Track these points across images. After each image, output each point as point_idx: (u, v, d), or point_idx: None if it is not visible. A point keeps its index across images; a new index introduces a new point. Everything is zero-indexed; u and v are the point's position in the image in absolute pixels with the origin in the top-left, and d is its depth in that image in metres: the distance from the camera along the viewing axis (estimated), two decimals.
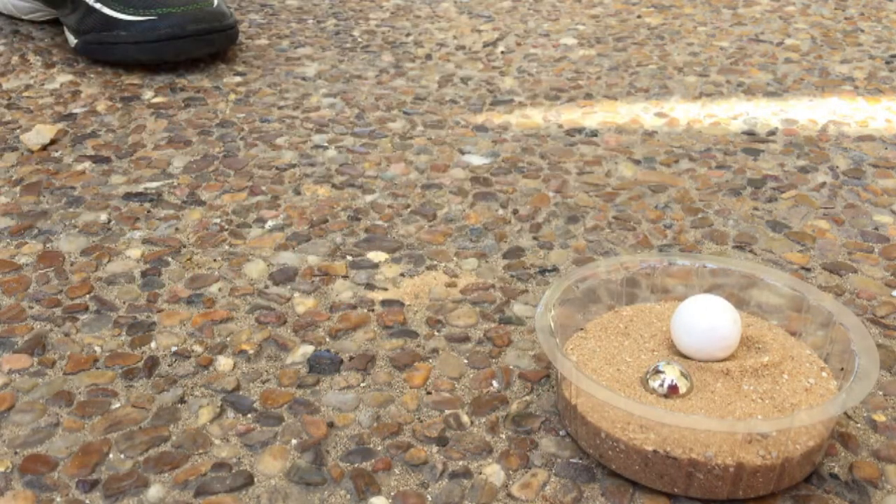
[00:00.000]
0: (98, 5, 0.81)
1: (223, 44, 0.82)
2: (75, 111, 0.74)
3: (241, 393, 0.44)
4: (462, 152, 0.68)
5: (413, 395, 0.44)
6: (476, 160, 0.67)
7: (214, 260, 0.55)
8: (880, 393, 0.45)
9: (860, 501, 0.39)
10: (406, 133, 0.71)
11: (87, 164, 0.65)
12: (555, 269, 0.54)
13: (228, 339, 0.48)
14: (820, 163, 0.67)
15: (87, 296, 0.51)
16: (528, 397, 0.44)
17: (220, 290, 0.52)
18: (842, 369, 0.41)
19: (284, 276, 0.53)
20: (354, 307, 0.50)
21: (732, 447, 0.37)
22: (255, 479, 0.39)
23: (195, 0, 0.80)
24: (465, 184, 0.63)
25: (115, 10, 0.80)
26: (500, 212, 0.60)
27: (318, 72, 0.83)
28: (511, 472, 0.40)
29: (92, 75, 0.81)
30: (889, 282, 0.53)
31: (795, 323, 0.45)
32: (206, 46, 0.81)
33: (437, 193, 0.62)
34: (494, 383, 0.45)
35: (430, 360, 0.46)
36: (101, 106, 0.75)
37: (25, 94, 0.77)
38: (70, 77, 0.81)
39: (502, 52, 0.88)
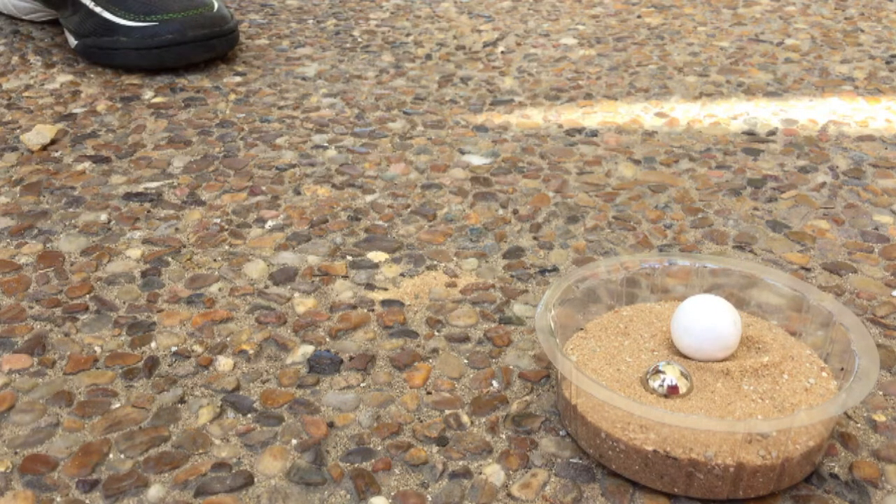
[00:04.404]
0: (98, 9, 0.80)
1: (224, 48, 0.82)
2: (75, 111, 0.74)
3: (241, 393, 0.44)
4: (462, 152, 0.68)
5: (413, 395, 0.44)
6: (476, 160, 0.67)
7: (214, 260, 0.55)
8: (880, 393, 0.45)
9: (860, 501, 0.39)
10: (406, 133, 0.71)
11: (87, 164, 0.65)
12: (555, 269, 0.54)
13: (228, 339, 0.48)
14: (820, 163, 0.67)
15: (87, 296, 0.51)
16: (528, 397, 0.44)
17: (220, 290, 0.52)
18: (842, 369, 0.41)
19: (284, 276, 0.53)
20: (354, 307, 0.50)
21: (732, 447, 0.37)
22: (255, 479, 0.39)
23: (196, 5, 0.80)
24: (465, 184, 0.63)
25: (115, 14, 0.79)
26: (500, 212, 0.60)
27: (318, 72, 0.83)
28: (511, 472, 0.40)
29: (92, 75, 0.81)
30: (889, 282, 0.53)
31: (795, 323, 0.45)
32: (208, 52, 0.81)
33: (437, 193, 0.62)
34: (494, 383, 0.45)
35: (430, 360, 0.46)
36: (101, 106, 0.75)
37: (25, 94, 0.77)
38: (70, 77, 0.81)
39: (502, 52, 0.88)
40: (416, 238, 0.57)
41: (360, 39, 0.91)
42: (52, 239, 0.56)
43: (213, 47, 0.81)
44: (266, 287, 0.52)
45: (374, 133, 0.71)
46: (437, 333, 0.48)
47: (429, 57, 0.87)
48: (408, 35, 0.93)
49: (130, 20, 0.79)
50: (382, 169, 0.65)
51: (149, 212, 0.60)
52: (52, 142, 0.69)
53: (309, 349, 0.47)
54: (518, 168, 0.65)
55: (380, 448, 0.41)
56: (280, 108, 0.75)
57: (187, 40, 0.79)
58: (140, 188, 0.62)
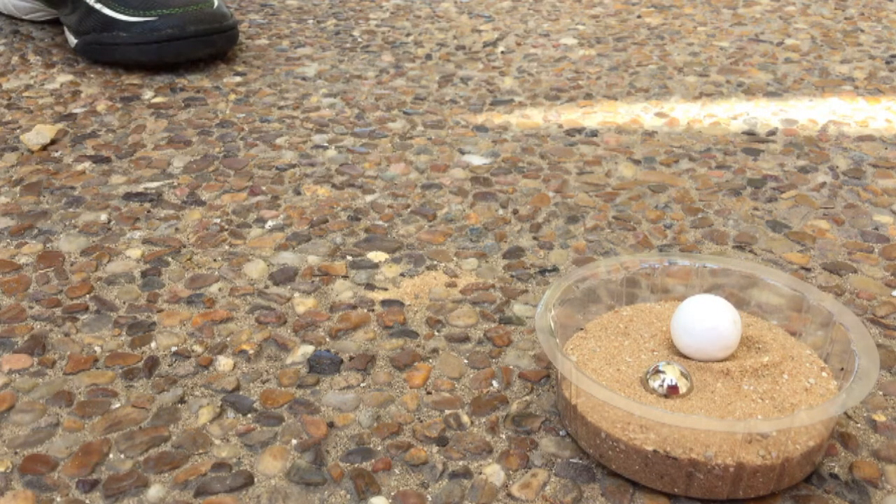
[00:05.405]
0: (98, 6, 0.81)
1: (224, 45, 0.82)
2: (75, 111, 0.74)
3: (241, 393, 0.44)
4: (462, 152, 0.68)
5: (413, 395, 0.44)
6: (476, 160, 0.67)
7: (214, 260, 0.55)
8: (880, 393, 0.45)
9: (860, 501, 0.39)
10: (406, 133, 0.71)
11: (87, 164, 0.65)
12: (555, 269, 0.54)
13: (228, 339, 0.48)
14: (820, 163, 0.67)
15: (87, 296, 0.51)
16: (528, 397, 0.44)
17: (220, 290, 0.52)
18: (842, 369, 0.41)
19: (284, 276, 0.53)
20: (354, 307, 0.50)
21: (732, 447, 0.37)
22: (255, 479, 0.39)
23: (195, 1, 0.80)
24: (465, 184, 0.63)
25: (115, 10, 0.80)
26: (500, 212, 0.60)
27: (318, 72, 0.83)
28: (511, 472, 0.40)
29: (92, 75, 0.81)
30: (889, 282, 0.53)
31: (795, 323, 0.45)
32: (207, 47, 0.81)
33: (437, 193, 0.62)
34: (494, 383, 0.45)
35: (430, 360, 0.46)
36: (101, 106, 0.75)
37: (25, 94, 0.77)
38: (70, 77, 0.81)
39: (502, 52, 0.88)
40: (416, 238, 0.57)
41: (360, 39, 0.91)
42: (52, 239, 0.56)
43: (213, 43, 0.81)
44: (266, 287, 0.52)
45: (374, 133, 0.71)
46: (437, 333, 0.48)
47: (429, 57, 0.87)
48: (408, 35, 0.93)
49: (130, 15, 0.79)
50: (382, 169, 0.65)
51: (149, 212, 0.60)
52: (52, 142, 0.69)
53: (309, 349, 0.47)
54: (518, 168, 0.65)
55: (380, 448, 0.41)
56: (280, 108, 0.75)
57: (187, 35, 0.79)
58: (140, 188, 0.62)
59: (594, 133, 0.71)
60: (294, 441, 0.41)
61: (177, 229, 0.58)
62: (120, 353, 0.47)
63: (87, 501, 0.38)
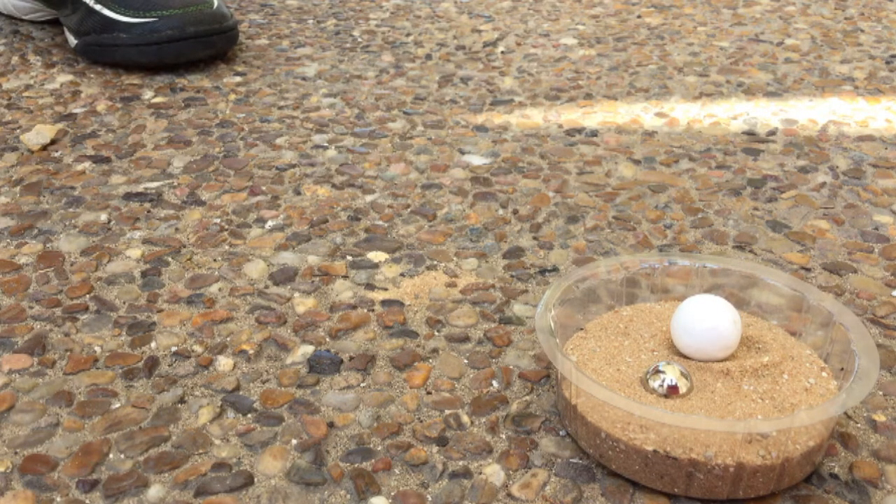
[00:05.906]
0: (98, 7, 0.81)
1: (224, 45, 0.82)
2: (75, 111, 0.74)
3: (241, 393, 0.44)
4: (462, 152, 0.68)
5: (413, 395, 0.44)
6: (476, 160, 0.67)
7: (214, 260, 0.55)
8: (880, 393, 0.45)
9: (860, 501, 0.39)
10: (406, 133, 0.71)
11: (87, 164, 0.65)
12: (555, 269, 0.54)
13: (228, 339, 0.48)
14: (820, 163, 0.67)
15: (87, 296, 0.51)
16: (528, 397, 0.44)
17: (220, 290, 0.52)
18: (842, 369, 0.41)
19: (284, 276, 0.53)
20: (354, 307, 0.50)
21: (732, 447, 0.37)
22: (255, 479, 0.39)
23: (195, 2, 0.80)
24: (465, 184, 0.63)
25: (115, 11, 0.80)
26: (500, 212, 0.60)
27: (318, 72, 0.83)
28: (511, 472, 0.40)
29: (92, 75, 0.81)
30: (889, 282, 0.53)
31: (795, 323, 0.45)
32: (207, 48, 0.81)
33: (437, 193, 0.62)
34: (494, 383, 0.45)
35: (430, 360, 0.46)
36: (101, 106, 0.75)
37: (25, 94, 0.77)
38: (70, 77, 0.81)
39: (502, 52, 0.88)
40: (416, 238, 0.57)
41: (360, 39, 0.91)
42: (52, 239, 0.56)
43: (213, 44, 0.81)
44: (266, 287, 0.52)
45: (374, 133, 0.71)
46: (437, 333, 0.48)
47: (429, 57, 0.87)
48: (408, 35, 0.93)
49: (130, 16, 0.79)
50: (382, 169, 0.65)
51: (149, 212, 0.60)
52: (52, 142, 0.69)
53: (309, 349, 0.47)
54: (518, 168, 0.65)
55: (380, 448, 0.41)
56: (280, 108, 0.75)
57: (187, 36, 0.79)
58: (140, 188, 0.62)
59: (594, 133, 0.71)
60: (294, 441, 0.41)
61: (177, 229, 0.58)
62: (120, 353, 0.47)
63: (87, 501, 0.38)
